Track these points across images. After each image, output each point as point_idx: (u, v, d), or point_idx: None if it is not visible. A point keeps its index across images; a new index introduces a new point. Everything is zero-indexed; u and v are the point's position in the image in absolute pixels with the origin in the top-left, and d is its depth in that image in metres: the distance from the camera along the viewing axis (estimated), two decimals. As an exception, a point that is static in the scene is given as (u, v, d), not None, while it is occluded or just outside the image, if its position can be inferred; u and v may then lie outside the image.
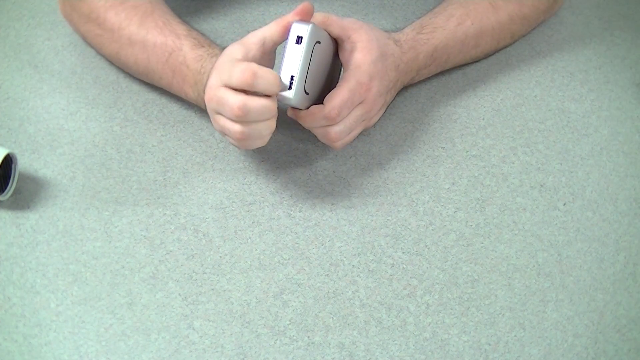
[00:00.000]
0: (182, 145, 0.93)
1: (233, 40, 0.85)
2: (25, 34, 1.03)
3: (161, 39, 0.89)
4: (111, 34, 0.92)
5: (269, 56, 0.84)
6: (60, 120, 0.94)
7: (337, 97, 0.83)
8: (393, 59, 0.89)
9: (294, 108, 0.85)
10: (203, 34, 0.92)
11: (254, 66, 0.78)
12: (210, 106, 0.82)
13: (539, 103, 0.98)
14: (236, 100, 0.78)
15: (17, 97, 0.96)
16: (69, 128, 0.94)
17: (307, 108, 0.84)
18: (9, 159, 0.86)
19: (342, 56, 0.86)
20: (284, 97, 0.81)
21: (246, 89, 0.78)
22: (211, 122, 0.84)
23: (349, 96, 0.83)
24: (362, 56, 0.85)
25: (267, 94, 0.78)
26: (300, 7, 0.81)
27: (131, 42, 0.90)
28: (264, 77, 0.78)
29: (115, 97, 0.97)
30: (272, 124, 0.80)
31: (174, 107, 0.96)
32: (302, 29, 0.80)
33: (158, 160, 0.91)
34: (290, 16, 0.81)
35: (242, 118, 0.78)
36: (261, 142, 0.82)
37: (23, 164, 0.90)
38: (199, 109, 0.95)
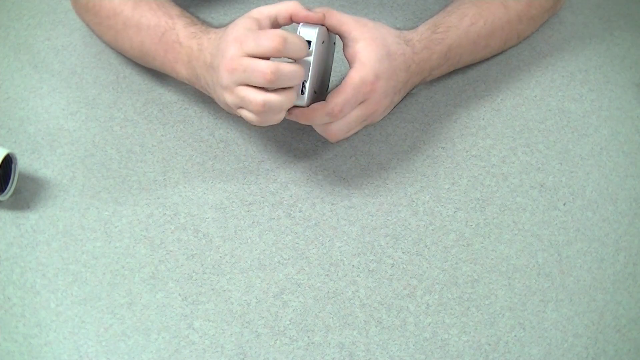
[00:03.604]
0: (182, 145, 0.93)
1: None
2: (25, 34, 1.03)
3: (154, 20, 0.89)
4: (107, 21, 0.93)
5: None
6: (60, 120, 0.94)
7: (341, 95, 0.82)
8: (404, 58, 0.87)
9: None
10: (197, 16, 0.92)
11: (283, 32, 0.78)
12: (232, 78, 0.79)
13: (539, 103, 0.98)
14: (268, 64, 0.77)
15: (17, 97, 0.96)
16: (69, 128, 0.94)
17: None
18: (9, 159, 0.86)
19: (346, 53, 0.85)
20: (297, 102, 0.81)
21: (275, 55, 0.78)
22: (219, 102, 0.82)
23: (352, 94, 0.83)
24: (366, 53, 0.84)
25: (295, 58, 0.79)
26: (308, 14, 0.81)
27: (126, 26, 0.92)
28: (294, 42, 0.78)
29: (115, 97, 0.97)
30: (292, 95, 0.80)
31: (174, 107, 0.96)
32: (311, 34, 0.80)
33: (158, 160, 0.91)
34: (296, 13, 0.81)
35: (273, 83, 0.77)
36: (278, 117, 0.81)
37: (23, 164, 0.90)
38: (199, 109, 0.95)
